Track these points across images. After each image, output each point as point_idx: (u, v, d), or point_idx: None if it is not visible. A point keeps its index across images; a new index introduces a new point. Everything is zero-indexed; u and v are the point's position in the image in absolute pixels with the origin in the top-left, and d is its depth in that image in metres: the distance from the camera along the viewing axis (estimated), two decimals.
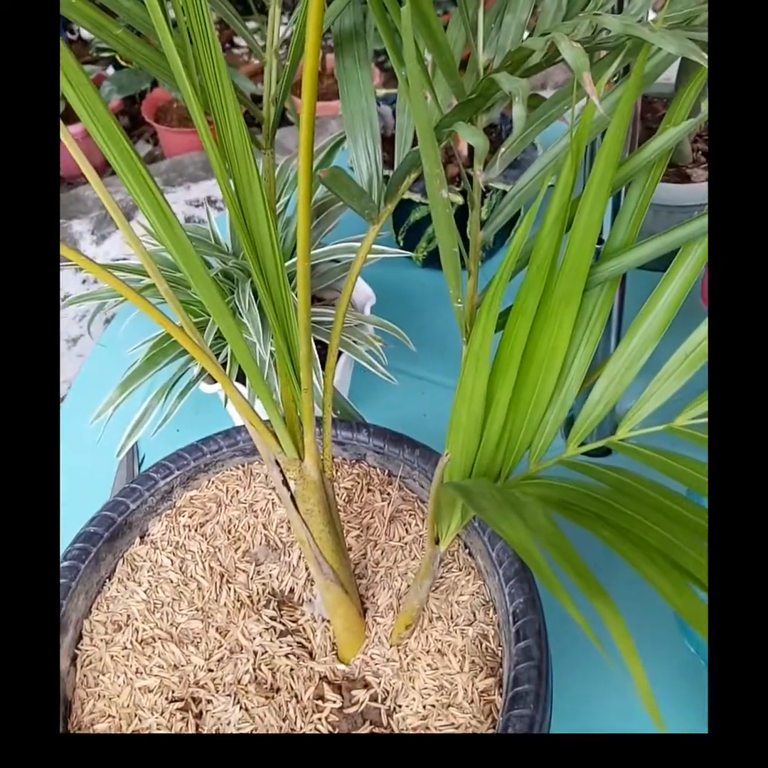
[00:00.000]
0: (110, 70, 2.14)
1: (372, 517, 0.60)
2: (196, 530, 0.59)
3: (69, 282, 1.78)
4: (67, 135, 0.39)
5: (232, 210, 0.36)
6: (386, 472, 0.63)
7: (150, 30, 0.40)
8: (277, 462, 0.47)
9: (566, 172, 0.35)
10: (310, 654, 0.54)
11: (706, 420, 0.37)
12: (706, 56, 0.29)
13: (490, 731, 0.49)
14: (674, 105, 0.38)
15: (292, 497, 0.48)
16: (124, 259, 1.84)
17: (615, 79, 0.44)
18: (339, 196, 0.42)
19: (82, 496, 0.69)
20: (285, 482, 0.48)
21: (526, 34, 0.41)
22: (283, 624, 0.55)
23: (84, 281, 1.81)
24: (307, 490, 0.47)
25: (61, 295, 1.80)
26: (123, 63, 2.15)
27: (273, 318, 0.42)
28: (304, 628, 0.55)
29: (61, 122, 0.38)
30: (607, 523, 0.28)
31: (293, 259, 0.76)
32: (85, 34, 2.44)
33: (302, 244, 0.36)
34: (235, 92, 0.36)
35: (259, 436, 0.45)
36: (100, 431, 0.72)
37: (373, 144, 0.43)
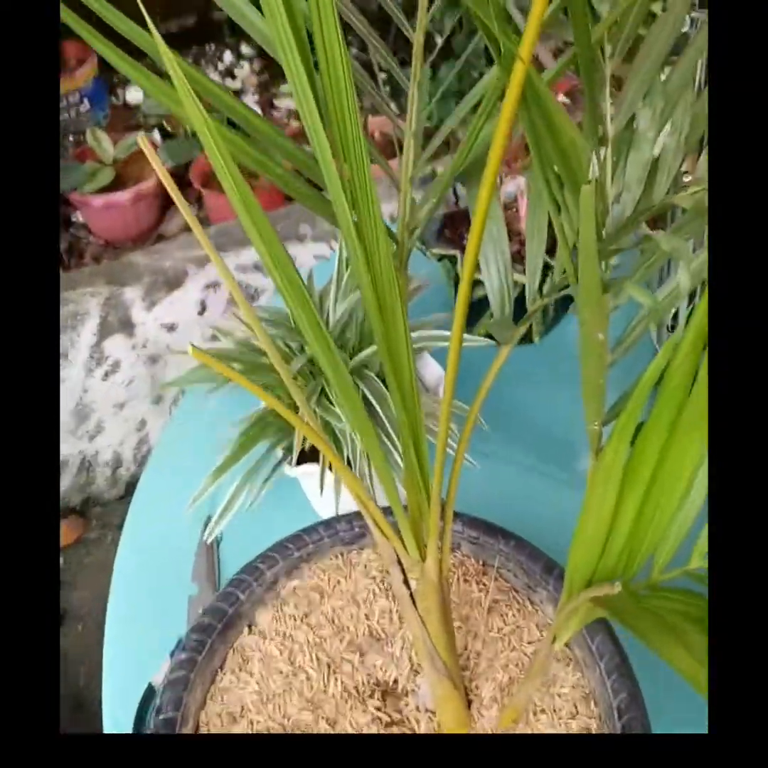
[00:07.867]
0: (156, 134, 2.21)
1: (470, 608, 0.62)
2: (301, 620, 0.60)
3: (119, 348, 1.82)
4: None
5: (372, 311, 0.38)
6: (480, 561, 0.64)
7: (307, 168, 0.43)
8: (398, 562, 0.49)
9: (703, 305, 0.37)
10: None
11: None
12: None
13: None
14: None
15: (412, 597, 0.50)
16: (173, 324, 1.88)
17: None
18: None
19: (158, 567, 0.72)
20: (405, 581, 0.50)
21: None
22: (389, 715, 0.56)
23: (133, 347, 1.85)
24: (426, 590, 0.49)
25: (112, 361, 1.84)
26: (170, 130, 2.21)
27: (403, 417, 0.44)
28: (408, 719, 0.57)
29: None
30: None
31: (364, 352, 0.77)
32: (130, 98, 2.47)
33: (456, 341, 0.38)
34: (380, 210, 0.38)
35: (385, 540, 0.47)
36: (180, 504, 0.75)
37: (504, 267, 0.46)
